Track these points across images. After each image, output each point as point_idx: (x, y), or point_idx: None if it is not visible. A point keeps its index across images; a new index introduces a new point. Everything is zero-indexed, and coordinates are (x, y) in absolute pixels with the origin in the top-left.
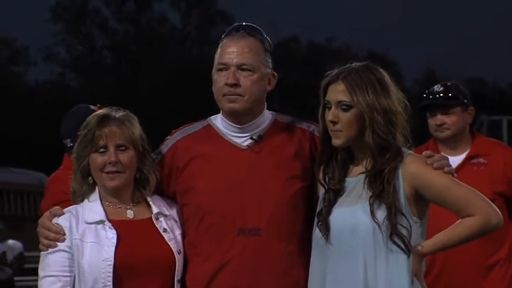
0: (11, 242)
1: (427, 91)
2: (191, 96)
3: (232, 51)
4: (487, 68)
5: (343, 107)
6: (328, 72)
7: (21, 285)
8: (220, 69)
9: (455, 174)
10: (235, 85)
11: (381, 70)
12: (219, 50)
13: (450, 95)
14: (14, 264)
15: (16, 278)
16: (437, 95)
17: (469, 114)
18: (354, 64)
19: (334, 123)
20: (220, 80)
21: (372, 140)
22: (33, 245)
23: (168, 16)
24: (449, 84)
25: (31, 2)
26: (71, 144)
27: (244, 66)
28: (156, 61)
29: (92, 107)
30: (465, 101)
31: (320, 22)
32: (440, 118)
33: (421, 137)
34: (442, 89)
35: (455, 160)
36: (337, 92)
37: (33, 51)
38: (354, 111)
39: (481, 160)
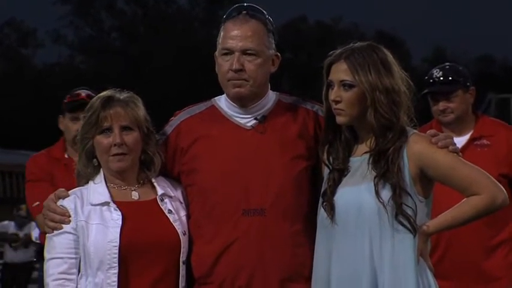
0: (34, 224)
1: (426, 76)
2: (199, 78)
3: (235, 35)
4: (495, 45)
5: (346, 86)
6: (331, 52)
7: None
8: (225, 54)
9: (460, 153)
10: (240, 70)
11: (384, 50)
12: (221, 33)
13: (450, 78)
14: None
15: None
16: (437, 81)
17: (470, 95)
18: (357, 44)
19: (336, 102)
20: (224, 64)
21: (374, 119)
22: None
23: None
24: (447, 67)
25: None
26: None
27: (248, 51)
28: (164, 42)
29: None
30: (466, 82)
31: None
32: (442, 104)
33: (426, 117)
34: (441, 73)
35: (458, 141)
36: (340, 72)
37: (41, 34)
38: (356, 90)
39: (485, 141)
